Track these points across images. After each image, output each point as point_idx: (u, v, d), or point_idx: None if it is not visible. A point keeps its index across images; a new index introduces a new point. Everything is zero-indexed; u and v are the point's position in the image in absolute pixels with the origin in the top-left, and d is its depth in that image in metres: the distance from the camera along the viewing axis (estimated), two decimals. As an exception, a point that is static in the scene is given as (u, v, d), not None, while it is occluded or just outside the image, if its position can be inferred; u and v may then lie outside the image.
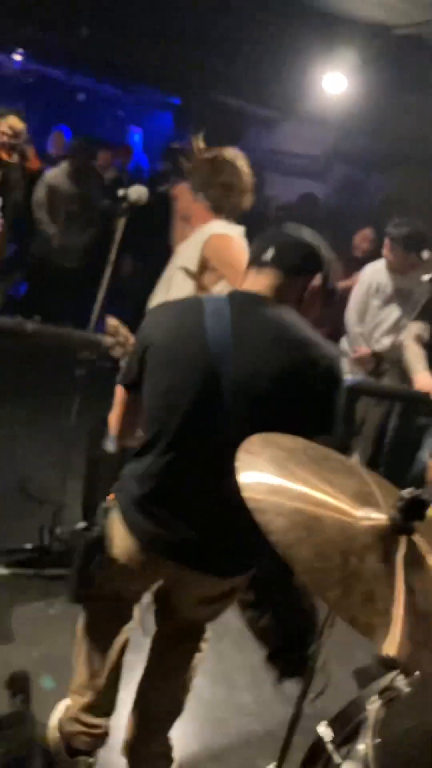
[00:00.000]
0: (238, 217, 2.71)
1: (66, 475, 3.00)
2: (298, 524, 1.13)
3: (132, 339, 2.04)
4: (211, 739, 2.34)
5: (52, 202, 5.27)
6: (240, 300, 1.67)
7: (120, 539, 1.74)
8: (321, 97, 5.97)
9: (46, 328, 2.55)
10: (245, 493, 1.15)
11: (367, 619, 1.06)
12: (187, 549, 1.67)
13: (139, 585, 1.86)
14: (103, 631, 1.95)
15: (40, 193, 5.26)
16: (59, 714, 2.05)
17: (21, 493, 3.50)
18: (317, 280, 1.70)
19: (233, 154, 2.63)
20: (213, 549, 1.67)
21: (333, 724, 1.61)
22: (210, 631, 2.07)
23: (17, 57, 9.29)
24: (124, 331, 2.11)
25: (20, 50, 9.12)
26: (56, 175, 5.35)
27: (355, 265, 4.82)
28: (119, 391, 1.86)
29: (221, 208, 2.63)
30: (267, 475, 1.21)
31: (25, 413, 4.38)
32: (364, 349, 4.04)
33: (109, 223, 4.43)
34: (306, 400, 1.60)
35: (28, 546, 3.02)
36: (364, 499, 1.26)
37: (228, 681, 2.62)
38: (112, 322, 2.11)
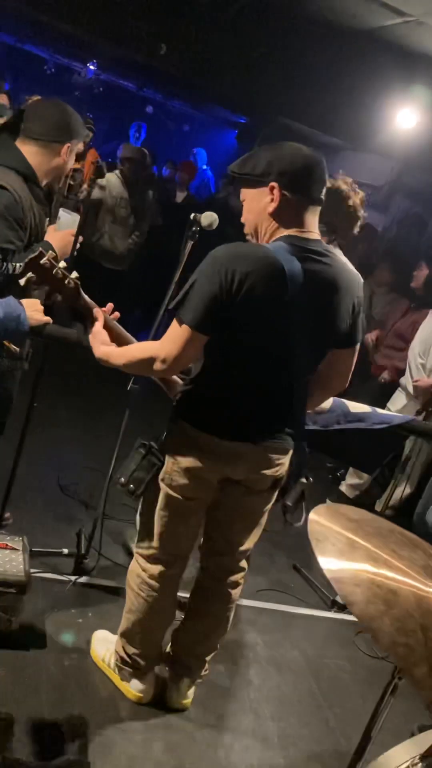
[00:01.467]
0: None
1: (108, 486, 3.03)
2: (377, 596, 1.13)
3: (63, 286, 2.08)
4: (234, 768, 2.33)
5: (101, 204, 5.37)
6: (308, 252, 1.97)
7: (189, 446, 2.10)
8: (388, 129, 5.98)
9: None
10: (323, 565, 1.18)
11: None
12: (257, 431, 2.12)
13: (203, 487, 2.16)
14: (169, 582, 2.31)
15: (93, 194, 5.35)
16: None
17: (62, 496, 3.55)
18: None
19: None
20: (275, 432, 2.15)
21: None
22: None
23: (91, 67, 9.51)
24: (58, 272, 2.05)
25: (94, 61, 9.34)
26: (109, 178, 5.45)
27: (414, 297, 4.80)
28: (188, 334, 1.93)
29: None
30: (340, 546, 1.21)
31: (76, 418, 4.45)
32: (425, 380, 4.09)
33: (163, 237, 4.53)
34: (354, 321, 2.10)
35: (65, 551, 3.05)
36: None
37: (253, 710, 2.60)
38: (50, 254, 2.05)
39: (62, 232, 2.62)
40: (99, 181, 5.28)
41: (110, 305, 2.23)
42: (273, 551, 3.63)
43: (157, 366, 1.98)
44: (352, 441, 2.88)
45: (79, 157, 5.24)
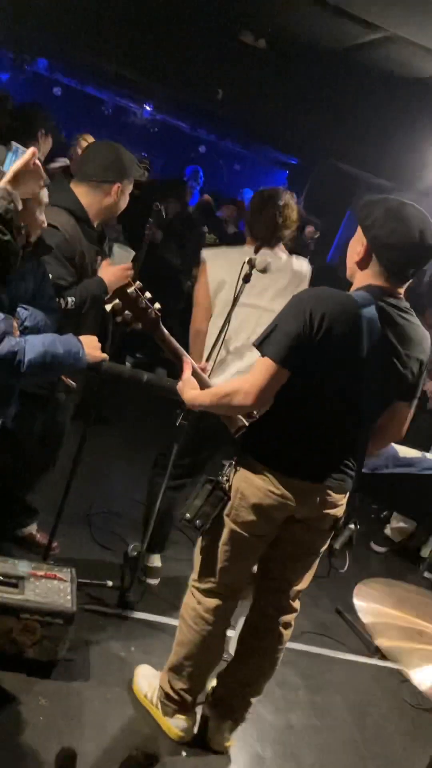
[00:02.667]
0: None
1: (154, 519, 3.06)
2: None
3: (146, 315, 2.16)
4: None
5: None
6: (390, 306, 2.03)
7: (257, 483, 2.13)
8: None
9: (158, 380, 2.65)
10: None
11: None
12: (323, 470, 2.16)
13: (268, 524, 2.18)
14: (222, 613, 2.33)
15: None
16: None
17: (108, 527, 3.59)
18: None
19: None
20: (338, 473, 2.18)
21: None
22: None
23: (147, 108, 9.82)
24: (143, 302, 2.14)
25: (150, 102, 9.65)
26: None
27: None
28: (271, 368, 1.99)
29: None
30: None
31: (125, 451, 4.51)
32: None
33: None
34: (419, 377, 2.17)
35: (110, 583, 3.07)
36: None
37: (295, 756, 2.57)
38: (137, 284, 2.13)
39: (115, 267, 2.71)
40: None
41: (204, 363, 2.35)
42: (316, 593, 3.60)
43: (240, 399, 2.04)
44: (400, 486, 2.86)
45: None
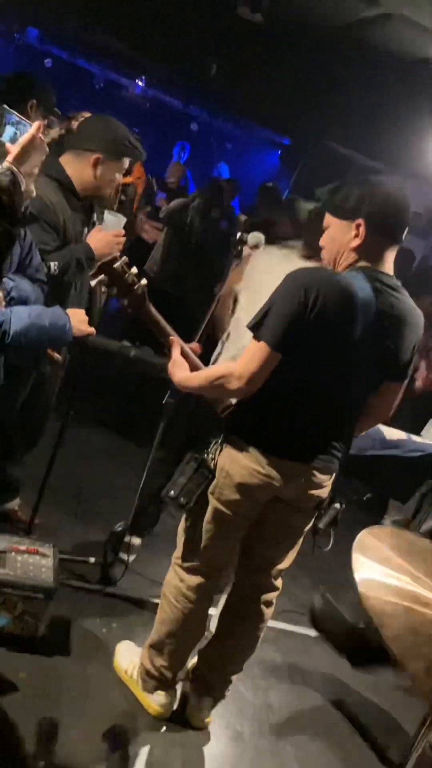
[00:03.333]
0: None
1: (138, 496, 3.05)
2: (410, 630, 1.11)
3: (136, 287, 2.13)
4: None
5: (174, 229, 5.40)
6: (381, 284, 2.01)
7: (242, 462, 2.12)
8: (431, 155, 5.98)
9: (146, 356, 2.62)
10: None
11: None
12: (309, 451, 2.14)
13: (253, 503, 2.18)
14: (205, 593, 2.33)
15: (164, 219, 5.42)
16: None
17: (91, 505, 3.57)
18: None
19: None
20: (325, 454, 2.16)
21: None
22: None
23: (139, 83, 9.67)
24: (129, 277, 2.11)
25: (142, 77, 9.51)
26: (184, 206, 5.46)
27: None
28: (265, 352, 1.97)
29: None
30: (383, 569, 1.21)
31: (110, 428, 4.48)
32: None
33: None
34: (411, 358, 2.14)
35: (92, 560, 3.06)
36: None
37: (274, 733, 2.57)
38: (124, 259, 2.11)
39: (103, 233, 2.65)
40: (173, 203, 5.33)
41: (196, 345, 2.29)
42: (298, 573, 3.61)
43: (233, 384, 2.02)
44: (385, 467, 2.86)
45: (127, 172, 5.30)
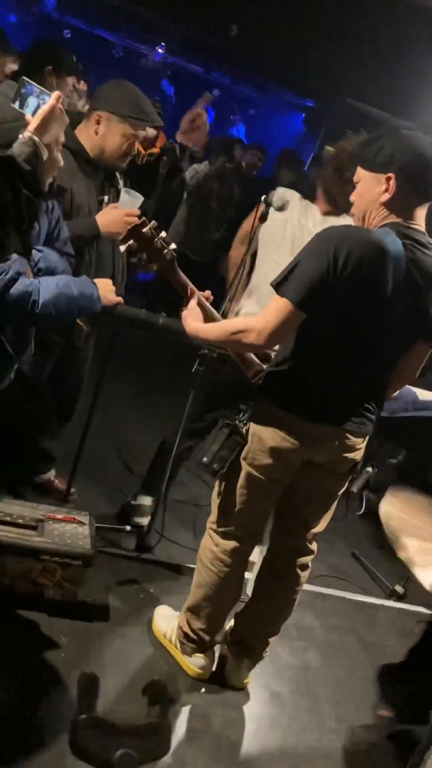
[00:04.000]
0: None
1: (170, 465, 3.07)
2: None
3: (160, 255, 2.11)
4: (292, 748, 2.35)
5: (195, 197, 5.37)
6: (413, 241, 1.96)
7: (275, 427, 2.12)
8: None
9: (175, 323, 2.61)
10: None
11: None
12: (342, 414, 2.12)
13: (286, 468, 2.17)
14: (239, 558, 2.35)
15: (184, 186, 5.39)
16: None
17: (126, 474, 3.61)
18: None
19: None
20: (357, 416, 2.14)
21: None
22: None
23: (159, 51, 9.53)
24: (158, 242, 2.08)
25: (162, 44, 9.36)
26: (202, 171, 5.43)
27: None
28: (288, 309, 1.94)
29: None
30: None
31: (141, 398, 4.51)
32: None
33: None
34: None
35: (128, 528, 3.11)
36: None
37: (312, 693, 2.62)
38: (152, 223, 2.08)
39: (115, 211, 2.60)
40: (191, 168, 5.33)
41: (208, 292, 2.26)
42: (332, 538, 3.62)
43: (251, 338, 1.99)
44: (419, 429, 2.84)
45: (150, 143, 5.25)
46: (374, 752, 2.44)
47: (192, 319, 2.17)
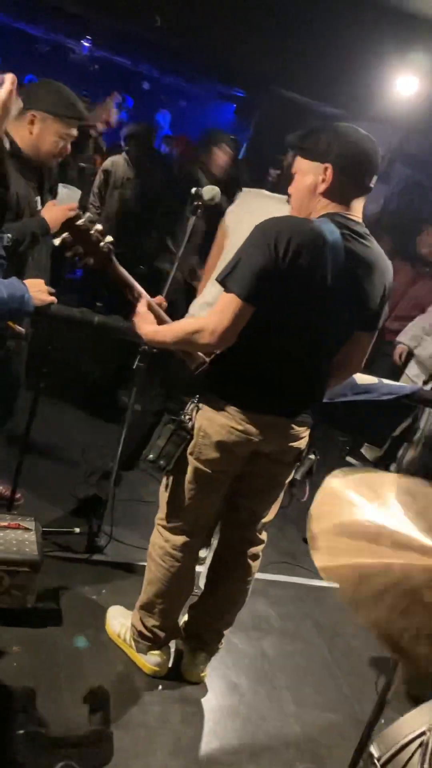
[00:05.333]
0: None
1: (117, 464, 3.04)
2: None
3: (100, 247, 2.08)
4: (251, 737, 2.36)
5: (107, 187, 5.28)
6: (351, 232, 1.98)
7: (220, 420, 2.11)
8: (389, 97, 5.88)
9: (110, 321, 2.58)
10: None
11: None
12: (286, 404, 2.15)
13: (232, 460, 2.17)
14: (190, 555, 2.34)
15: (98, 178, 5.27)
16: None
17: (71, 476, 3.56)
18: None
19: None
20: (299, 405, 2.17)
21: (379, 741, 1.61)
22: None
23: (85, 44, 9.40)
24: (94, 235, 2.06)
25: (88, 38, 9.23)
26: (115, 160, 5.33)
27: (420, 264, 4.77)
28: (237, 305, 1.93)
29: None
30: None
31: (83, 397, 4.44)
32: None
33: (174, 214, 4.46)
34: (382, 307, 2.13)
35: (77, 530, 3.07)
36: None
37: (270, 681, 2.64)
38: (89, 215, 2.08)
39: (58, 207, 2.60)
40: (105, 164, 5.23)
41: (160, 298, 2.25)
42: (284, 524, 3.65)
43: (206, 338, 1.98)
44: (360, 413, 2.88)
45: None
46: (333, 733, 2.47)
47: (145, 324, 2.14)
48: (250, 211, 2.65)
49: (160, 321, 2.18)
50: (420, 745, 1.47)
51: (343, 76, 6.33)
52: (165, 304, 2.24)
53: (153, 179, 5.43)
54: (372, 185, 2.04)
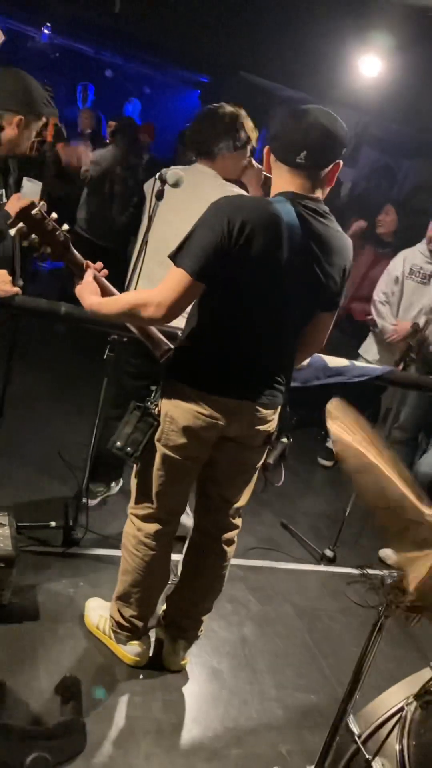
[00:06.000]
0: None
1: (91, 456, 3.02)
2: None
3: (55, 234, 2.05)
4: (234, 722, 2.37)
5: (97, 180, 5.25)
6: (310, 211, 1.97)
7: (185, 405, 2.09)
8: (353, 80, 5.86)
9: (78, 311, 2.54)
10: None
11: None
12: (251, 387, 2.13)
13: (200, 445, 2.16)
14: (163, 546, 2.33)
15: (86, 171, 5.26)
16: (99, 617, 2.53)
17: (45, 470, 3.53)
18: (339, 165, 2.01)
19: None
20: (267, 389, 2.15)
21: (359, 718, 1.63)
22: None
23: (45, 31, 9.23)
24: (49, 224, 2.04)
25: (48, 25, 9.06)
26: (103, 154, 5.32)
27: (381, 244, 4.78)
28: (185, 280, 1.91)
29: None
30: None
31: (54, 390, 4.41)
32: (403, 323, 4.08)
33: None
34: (342, 286, 2.12)
35: (53, 524, 3.04)
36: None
37: (251, 666, 2.64)
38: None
39: (22, 200, 2.55)
40: (92, 155, 5.21)
41: (100, 264, 2.18)
42: (259, 509, 3.66)
43: (150, 312, 1.95)
44: (331, 396, 2.88)
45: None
46: (315, 714, 2.48)
47: (88, 293, 2.09)
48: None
49: (106, 293, 2.13)
50: (398, 720, 1.48)
51: (306, 61, 6.31)
52: (106, 271, 2.20)
53: (138, 171, 5.43)
54: (304, 161, 1.93)
